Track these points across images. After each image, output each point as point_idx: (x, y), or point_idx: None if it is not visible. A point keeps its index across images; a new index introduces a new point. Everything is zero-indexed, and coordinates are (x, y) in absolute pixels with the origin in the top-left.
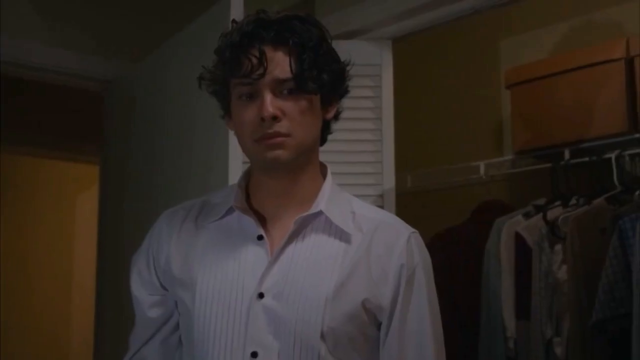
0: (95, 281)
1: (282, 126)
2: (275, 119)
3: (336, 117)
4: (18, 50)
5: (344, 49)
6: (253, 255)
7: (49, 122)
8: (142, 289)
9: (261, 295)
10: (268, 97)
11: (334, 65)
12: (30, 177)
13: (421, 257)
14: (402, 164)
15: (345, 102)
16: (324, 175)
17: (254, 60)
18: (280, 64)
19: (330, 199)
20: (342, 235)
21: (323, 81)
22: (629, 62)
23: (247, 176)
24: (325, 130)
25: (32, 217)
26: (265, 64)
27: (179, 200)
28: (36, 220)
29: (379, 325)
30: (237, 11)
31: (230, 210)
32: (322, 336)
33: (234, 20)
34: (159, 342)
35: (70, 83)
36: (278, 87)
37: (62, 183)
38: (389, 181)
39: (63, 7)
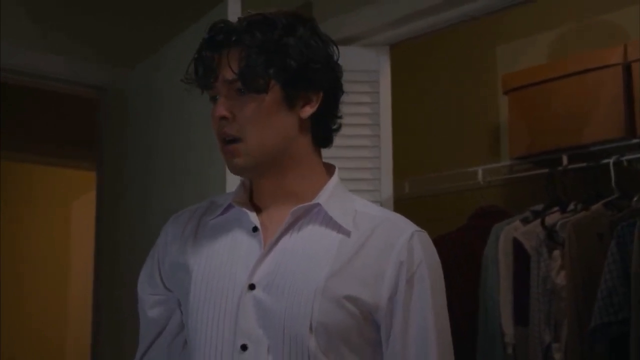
0: (91, 287)
1: (230, 127)
2: (224, 119)
3: (331, 113)
4: (12, 57)
5: (341, 55)
6: (247, 246)
7: (43, 129)
8: (145, 289)
9: (252, 287)
10: (221, 98)
11: (295, 58)
12: (25, 183)
13: (425, 256)
14: (400, 170)
15: (343, 108)
16: (330, 175)
17: (206, 64)
18: (227, 66)
19: (333, 195)
20: (340, 230)
21: (274, 77)
22: (627, 68)
23: None
24: (322, 129)
25: (27, 223)
26: (214, 67)
27: (175, 206)
28: (32, 226)
29: (378, 327)
30: (234, 17)
31: (230, 207)
32: (311, 330)
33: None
34: (166, 346)
35: (65, 89)
36: (231, 88)
37: (58, 189)
38: (387, 187)
39: (57, 13)
